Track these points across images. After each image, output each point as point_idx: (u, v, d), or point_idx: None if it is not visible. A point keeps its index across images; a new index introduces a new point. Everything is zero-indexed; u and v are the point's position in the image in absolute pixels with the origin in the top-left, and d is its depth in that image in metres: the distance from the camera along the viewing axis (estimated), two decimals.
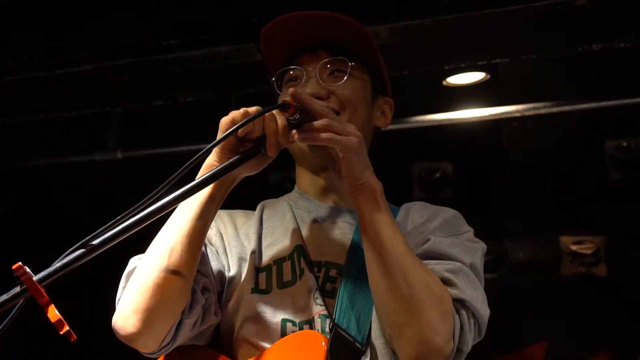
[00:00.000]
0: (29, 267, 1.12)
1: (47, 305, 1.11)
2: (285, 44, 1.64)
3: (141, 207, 1.24)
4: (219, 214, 1.67)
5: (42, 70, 2.48)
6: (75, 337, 1.12)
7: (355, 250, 1.54)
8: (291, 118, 1.33)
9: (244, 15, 2.30)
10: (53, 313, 1.11)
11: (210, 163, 1.41)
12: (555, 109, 3.09)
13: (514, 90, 3.11)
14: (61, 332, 1.10)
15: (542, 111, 3.09)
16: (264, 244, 1.63)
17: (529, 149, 3.58)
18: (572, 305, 3.82)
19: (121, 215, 1.20)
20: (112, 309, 1.48)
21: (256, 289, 1.54)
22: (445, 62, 2.51)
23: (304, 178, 1.72)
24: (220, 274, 1.56)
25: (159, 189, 1.27)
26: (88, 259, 1.18)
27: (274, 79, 1.64)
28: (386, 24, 2.20)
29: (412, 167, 3.85)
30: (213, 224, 1.62)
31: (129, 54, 2.38)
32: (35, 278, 1.11)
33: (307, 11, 1.61)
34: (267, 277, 1.56)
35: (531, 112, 3.11)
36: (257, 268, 1.57)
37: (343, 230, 1.62)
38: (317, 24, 1.60)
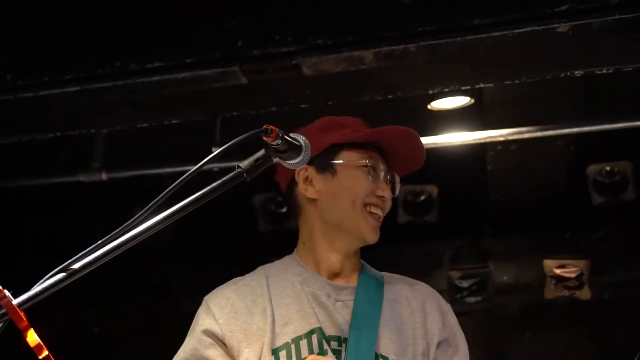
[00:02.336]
0: (9, 290, 1.11)
1: (26, 329, 1.10)
2: (379, 139, 1.83)
3: (123, 231, 1.23)
4: (228, 298, 1.77)
5: (26, 92, 2.47)
6: None
7: (356, 326, 1.69)
8: (273, 143, 1.34)
9: (229, 39, 2.31)
10: (32, 337, 1.10)
11: None
12: (539, 134, 3.11)
13: (498, 115, 3.14)
14: (40, 357, 1.10)
15: (526, 135, 3.12)
16: (279, 322, 1.71)
17: (512, 173, 3.60)
18: (557, 328, 3.83)
19: (103, 239, 1.20)
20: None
21: None
22: (430, 86, 2.52)
23: (320, 254, 1.82)
24: None
25: (141, 212, 1.27)
26: (68, 282, 1.17)
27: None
28: (371, 48, 2.22)
29: None
30: (223, 318, 1.73)
31: (113, 76, 2.38)
32: (14, 302, 1.11)
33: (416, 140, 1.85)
34: (287, 354, 1.65)
35: (515, 137, 3.14)
36: (275, 349, 1.66)
37: (350, 309, 1.73)
38: (407, 140, 1.84)
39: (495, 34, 2.17)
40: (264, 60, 2.28)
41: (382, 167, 1.80)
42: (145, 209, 1.30)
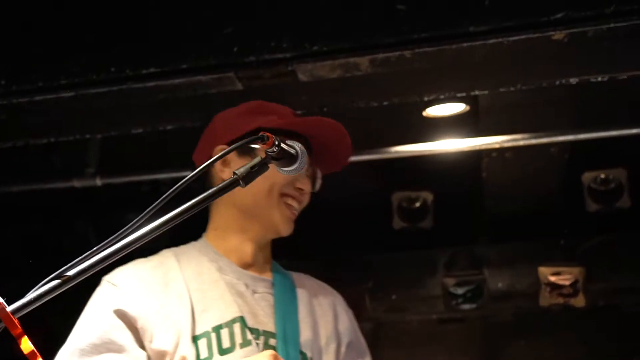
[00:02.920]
0: (3, 297, 1.11)
1: (20, 336, 1.10)
2: (296, 128, 1.81)
3: (119, 238, 1.23)
4: (141, 279, 1.65)
5: (20, 97, 2.46)
6: None
7: (280, 321, 1.65)
8: (269, 150, 1.34)
9: (224, 45, 2.31)
10: (26, 345, 1.09)
11: None
12: (533, 141, 3.12)
13: (493, 122, 3.14)
14: None
15: (521, 142, 3.12)
16: (198, 308, 1.62)
17: (507, 180, 3.60)
18: (552, 336, 3.83)
19: (98, 246, 1.20)
20: None
21: None
22: (425, 93, 2.52)
23: (233, 241, 1.73)
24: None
25: (137, 219, 1.27)
26: (63, 289, 1.17)
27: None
28: (366, 55, 2.22)
29: (392, 196, 3.86)
30: (136, 298, 1.60)
31: (108, 81, 2.37)
32: (8, 309, 1.10)
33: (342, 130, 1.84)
34: (208, 343, 1.57)
35: (510, 144, 3.14)
36: (194, 336, 1.57)
37: (269, 303, 1.67)
38: (335, 135, 1.82)
39: (491, 41, 2.17)
40: (260, 66, 2.27)
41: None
42: (140, 215, 1.29)
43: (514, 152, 3.34)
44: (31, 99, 2.47)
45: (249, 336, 1.59)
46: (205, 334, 1.57)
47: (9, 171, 3.45)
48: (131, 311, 1.58)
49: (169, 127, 2.70)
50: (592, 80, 2.40)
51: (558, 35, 2.15)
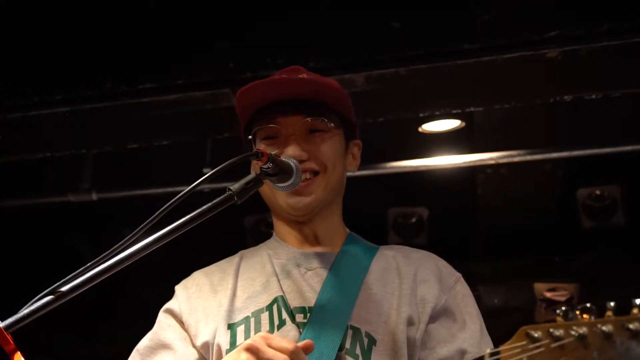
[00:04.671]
0: None
1: (13, 352, 1.09)
2: (260, 103, 1.67)
3: (113, 253, 1.23)
4: (195, 279, 1.72)
5: (16, 112, 2.47)
6: None
7: (324, 294, 1.57)
8: (264, 167, 1.34)
9: (220, 61, 2.32)
10: None
11: None
12: (528, 157, 3.13)
13: (488, 138, 3.16)
14: None
15: (516, 159, 3.13)
16: (242, 296, 1.63)
17: (502, 196, 3.61)
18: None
19: (92, 262, 1.19)
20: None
21: (232, 348, 1.53)
22: (421, 109, 2.53)
23: (283, 227, 1.75)
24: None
25: (131, 235, 1.27)
26: (56, 305, 1.16)
27: (250, 136, 1.67)
28: (362, 72, 2.23)
29: (387, 211, 3.86)
30: (184, 296, 1.67)
31: (104, 97, 2.38)
32: (1, 325, 1.10)
33: (284, 76, 1.68)
34: (246, 329, 1.56)
35: (505, 160, 3.16)
36: (232, 324, 1.58)
37: (321, 278, 1.64)
38: (293, 86, 1.65)
39: (485, 58, 2.19)
40: None
41: (279, 127, 1.61)
42: (134, 232, 1.29)
43: (508, 168, 3.35)
44: (26, 114, 2.47)
45: (284, 315, 1.55)
46: (244, 320, 1.57)
47: (4, 186, 3.45)
48: (177, 308, 1.65)
49: (165, 143, 2.70)
50: (586, 97, 2.41)
51: (552, 53, 2.16)
